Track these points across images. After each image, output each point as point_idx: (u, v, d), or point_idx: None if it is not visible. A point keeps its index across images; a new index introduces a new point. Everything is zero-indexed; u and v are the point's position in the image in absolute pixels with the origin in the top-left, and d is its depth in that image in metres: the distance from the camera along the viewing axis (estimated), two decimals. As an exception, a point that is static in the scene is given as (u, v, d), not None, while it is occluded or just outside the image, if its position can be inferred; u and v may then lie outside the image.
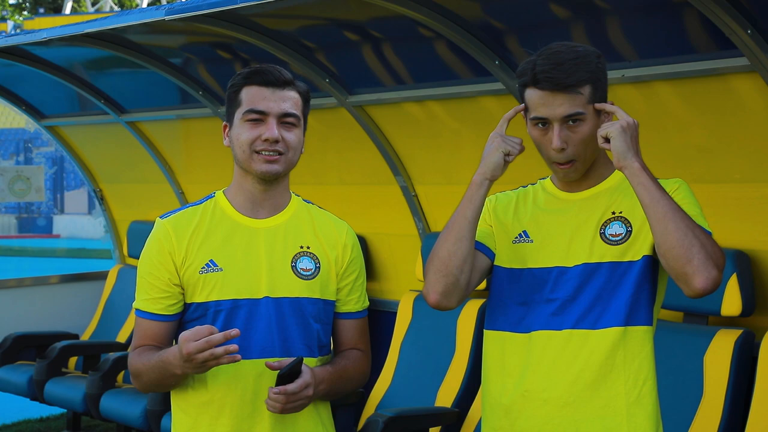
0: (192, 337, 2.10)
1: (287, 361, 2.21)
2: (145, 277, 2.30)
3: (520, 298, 2.23)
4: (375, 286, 4.92)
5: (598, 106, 2.16)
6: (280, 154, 2.25)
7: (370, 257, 4.91)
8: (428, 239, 4.46)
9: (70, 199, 26.56)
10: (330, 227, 2.37)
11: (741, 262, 3.33)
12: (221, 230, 2.30)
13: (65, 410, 5.86)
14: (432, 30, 3.81)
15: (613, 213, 2.20)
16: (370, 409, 4.35)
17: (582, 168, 2.20)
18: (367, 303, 2.43)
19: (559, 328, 2.18)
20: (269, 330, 2.26)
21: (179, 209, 2.34)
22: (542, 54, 2.16)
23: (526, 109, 2.21)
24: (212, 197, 2.35)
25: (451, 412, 4.05)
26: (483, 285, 4.22)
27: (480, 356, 4.13)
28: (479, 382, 4.10)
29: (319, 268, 2.31)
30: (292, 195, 2.38)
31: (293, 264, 2.29)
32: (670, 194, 2.12)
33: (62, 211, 26.85)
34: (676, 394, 3.33)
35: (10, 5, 43.34)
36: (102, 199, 6.55)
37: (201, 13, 4.01)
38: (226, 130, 2.32)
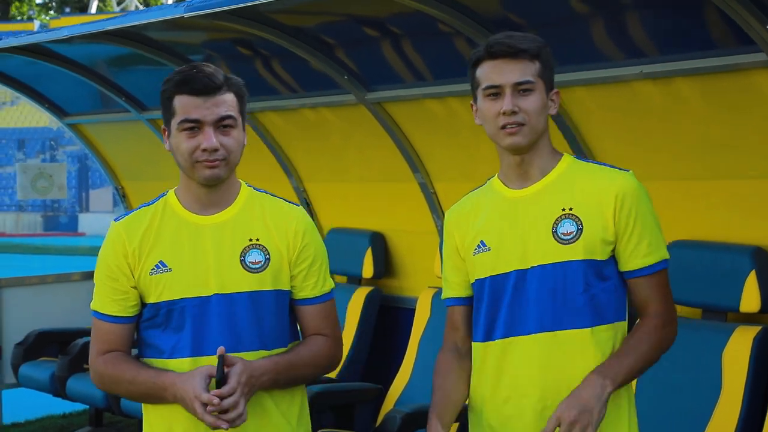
0: (203, 401, 2.15)
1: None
2: (103, 281, 2.32)
3: (487, 307, 2.26)
4: (394, 283, 4.92)
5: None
6: (220, 159, 2.25)
7: (389, 254, 4.91)
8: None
9: (95, 197, 26.76)
10: (281, 215, 2.35)
11: (759, 259, 3.31)
12: (170, 230, 2.31)
13: (87, 406, 5.91)
14: (450, 26, 3.81)
15: (563, 210, 2.22)
16: (388, 405, 4.36)
17: (530, 134, 2.21)
18: (329, 287, 2.39)
19: (526, 333, 2.21)
20: (220, 327, 2.26)
21: (132, 211, 2.38)
22: (492, 36, 2.27)
23: (474, 93, 2.27)
24: (164, 196, 2.36)
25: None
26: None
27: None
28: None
29: (269, 259, 2.30)
30: (242, 186, 2.37)
31: (242, 258, 2.29)
32: (620, 205, 2.19)
33: (87, 209, 27.04)
34: (695, 390, 3.31)
35: (37, 5, 43.68)
36: (124, 197, 6.60)
37: (221, 9, 4.03)
38: (166, 135, 2.32)
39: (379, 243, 4.87)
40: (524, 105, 2.20)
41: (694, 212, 3.57)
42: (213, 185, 2.30)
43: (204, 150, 2.23)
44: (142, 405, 2.35)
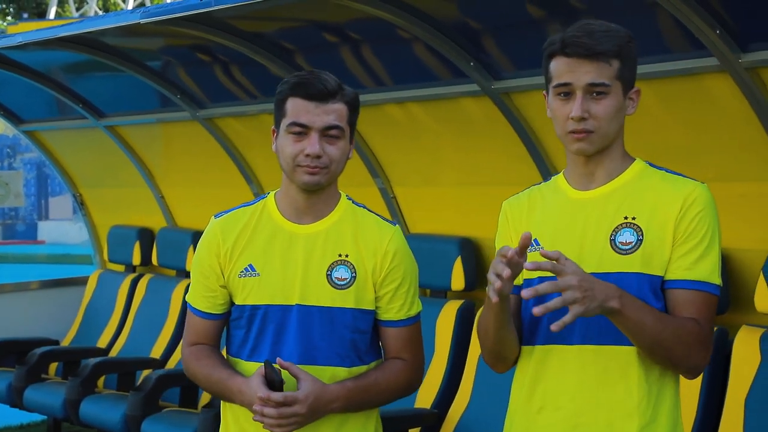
0: (267, 402, 2.18)
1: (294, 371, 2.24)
2: (196, 276, 2.37)
3: (530, 309, 2.07)
4: (355, 289, 4.91)
5: (542, 252, 1.93)
6: (322, 167, 2.24)
7: (350, 259, 4.90)
8: (407, 241, 4.46)
9: (55, 205, 26.44)
10: (373, 233, 2.32)
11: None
12: (264, 234, 2.32)
13: (45, 417, 5.84)
14: (408, 32, 3.82)
15: (625, 218, 2.06)
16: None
17: (598, 142, 2.05)
18: (415, 311, 2.35)
19: (570, 343, 2.06)
20: (295, 338, 2.28)
21: (233, 209, 2.38)
22: (573, 26, 2.07)
23: (546, 85, 2.11)
24: (264, 198, 2.38)
25: (431, 413, 4.05)
26: (461, 286, 4.25)
27: (459, 358, 4.16)
28: (458, 384, 4.13)
29: (355, 277, 2.29)
30: (342, 198, 2.36)
31: (329, 273, 2.29)
32: (686, 202, 2.03)
33: (46, 217, 26.72)
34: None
35: (-7, 11, 43.17)
36: (82, 204, 6.53)
37: (176, 16, 4.01)
38: (274, 135, 2.33)
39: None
40: (596, 110, 2.03)
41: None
42: (312, 192, 2.29)
43: (307, 155, 2.23)
44: (221, 402, 2.38)
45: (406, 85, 4.27)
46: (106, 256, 6.22)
